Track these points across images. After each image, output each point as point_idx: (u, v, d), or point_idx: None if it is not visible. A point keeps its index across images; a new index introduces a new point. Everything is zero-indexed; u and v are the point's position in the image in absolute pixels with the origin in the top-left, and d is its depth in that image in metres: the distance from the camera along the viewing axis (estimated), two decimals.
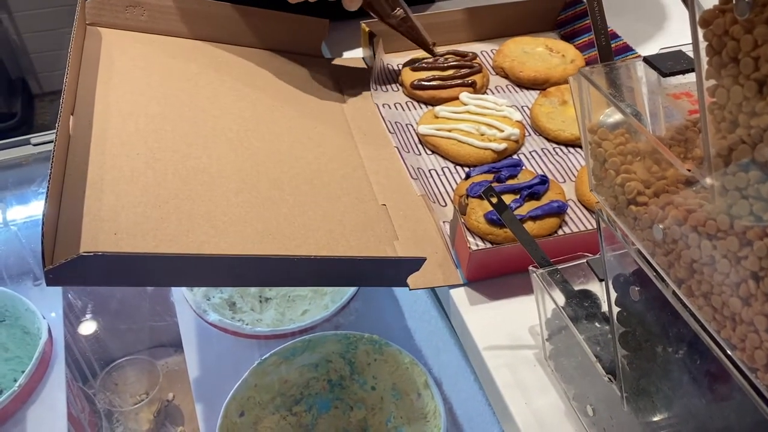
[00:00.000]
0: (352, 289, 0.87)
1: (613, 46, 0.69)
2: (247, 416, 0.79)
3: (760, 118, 0.27)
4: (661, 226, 0.34)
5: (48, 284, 0.47)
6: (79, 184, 0.53)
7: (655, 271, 0.36)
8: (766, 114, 0.27)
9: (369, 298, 0.90)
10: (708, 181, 0.31)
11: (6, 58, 2.25)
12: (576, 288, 0.48)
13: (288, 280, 0.58)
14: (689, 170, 0.32)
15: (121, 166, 0.56)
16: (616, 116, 0.37)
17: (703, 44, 0.29)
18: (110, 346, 1.05)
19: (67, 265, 0.45)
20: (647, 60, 0.36)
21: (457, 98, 0.75)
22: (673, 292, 0.35)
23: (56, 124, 0.55)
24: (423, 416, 0.78)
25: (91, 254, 0.46)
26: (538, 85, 0.79)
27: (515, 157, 0.70)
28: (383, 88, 0.80)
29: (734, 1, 0.27)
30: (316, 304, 0.93)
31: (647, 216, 0.35)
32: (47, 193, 0.48)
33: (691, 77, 0.34)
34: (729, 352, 0.32)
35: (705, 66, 0.29)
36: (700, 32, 0.29)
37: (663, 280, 0.36)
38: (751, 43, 0.27)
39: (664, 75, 0.35)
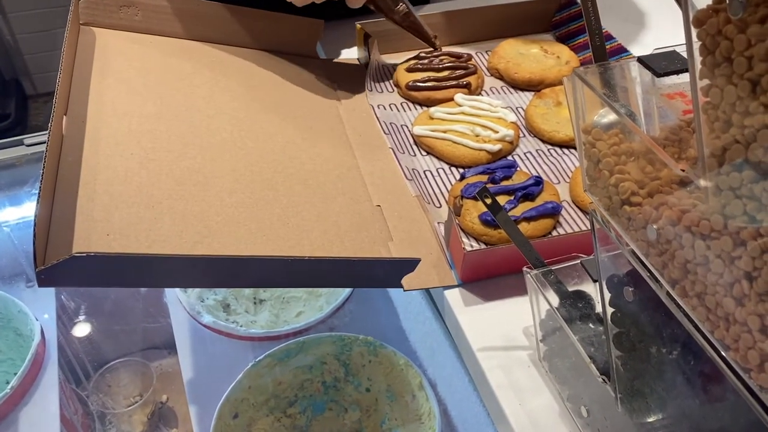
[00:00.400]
0: (346, 291, 0.86)
1: (607, 47, 0.69)
2: (241, 418, 0.79)
3: (753, 118, 0.27)
4: (654, 227, 0.34)
5: (40, 285, 0.46)
6: (71, 184, 0.53)
7: (649, 271, 0.36)
8: (760, 113, 0.27)
9: (364, 299, 0.90)
10: (702, 181, 0.31)
11: None
12: (570, 289, 0.48)
13: (282, 281, 0.58)
14: (683, 170, 0.32)
15: (114, 166, 0.56)
16: (610, 116, 0.37)
17: (696, 44, 0.29)
18: (103, 347, 1.05)
19: (60, 266, 0.45)
20: (641, 60, 0.36)
21: (452, 99, 0.75)
22: (667, 293, 0.35)
23: (49, 125, 0.54)
24: (418, 418, 0.78)
25: (84, 255, 0.46)
26: (533, 86, 0.79)
27: (510, 158, 0.70)
28: (378, 88, 0.80)
29: (727, 1, 0.27)
30: (311, 305, 0.93)
31: (641, 216, 0.35)
32: (39, 193, 0.48)
33: (685, 77, 0.34)
34: (723, 352, 0.32)
35: (698, 66, 0.29)
36: (694, 32, 0.29)
37: (657, 280, 0.36)
38: (744, 42, 0.27)
39: (658, 75, 0.35)
